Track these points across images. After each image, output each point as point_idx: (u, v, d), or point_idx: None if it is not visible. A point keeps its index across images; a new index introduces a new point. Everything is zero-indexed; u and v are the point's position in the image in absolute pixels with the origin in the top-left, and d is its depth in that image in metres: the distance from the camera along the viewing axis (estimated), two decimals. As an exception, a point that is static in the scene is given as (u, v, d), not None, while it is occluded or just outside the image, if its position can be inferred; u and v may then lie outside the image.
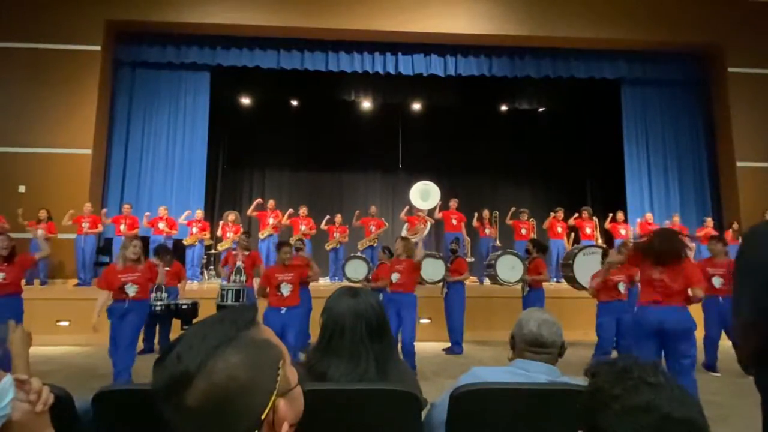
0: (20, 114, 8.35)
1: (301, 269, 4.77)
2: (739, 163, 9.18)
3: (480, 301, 6.81)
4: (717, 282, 5.01)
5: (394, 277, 5.13)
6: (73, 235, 7.70)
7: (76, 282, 7.67)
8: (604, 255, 5.45)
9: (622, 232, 8.74)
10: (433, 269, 6.77)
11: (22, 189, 8.17)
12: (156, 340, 5.65)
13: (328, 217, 9.12)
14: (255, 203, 8.89)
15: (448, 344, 6.16)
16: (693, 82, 9.98)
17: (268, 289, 4.58)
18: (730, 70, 9.38)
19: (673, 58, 9.74)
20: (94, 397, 1.14)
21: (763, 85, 9.29)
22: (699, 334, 5.12)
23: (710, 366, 5.11)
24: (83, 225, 7.65)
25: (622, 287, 4.99)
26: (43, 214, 7.57)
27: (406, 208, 9.17)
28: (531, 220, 9.10)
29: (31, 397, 0.84)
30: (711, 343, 5.11)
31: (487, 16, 9.15)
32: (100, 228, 7.92)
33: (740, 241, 1.49)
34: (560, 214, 9.06)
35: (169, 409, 0.63)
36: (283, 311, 4.49)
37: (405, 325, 5.01)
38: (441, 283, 6.51)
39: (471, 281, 7.41)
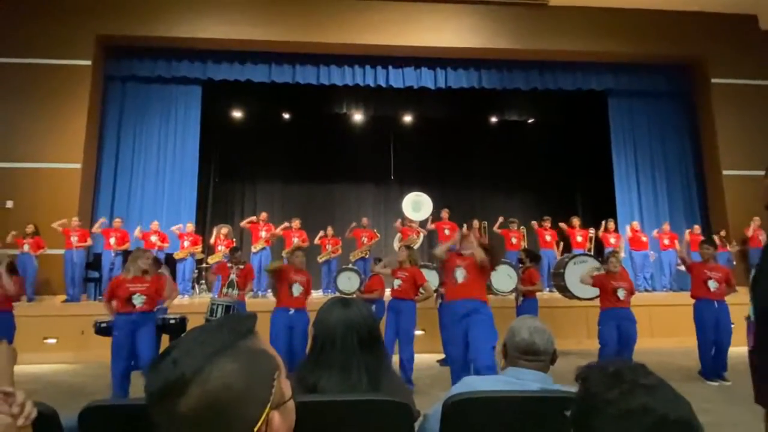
0: (9, 129, 8.28)
1: (310, 279, 4.94)
2: (724, 172, 9.34)
3: (473, 312, 6.79)
4: (713, 285, 4.99)
5: (396, 283, 5.12)
6: (61, 251, 7.59)
7: (64, 298, 7.54)
8: (602, 262, 5.51)
9: (612, 240, 8.81)
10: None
11: (9, 204, 8.07)
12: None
13: (321, 233, 9.08)
14: (250, 219, 8.87)
15: (443, 356, 6.12)
16: (678, 93, 10.18)
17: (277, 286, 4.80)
18: (713, 81, 9.59)
19: (658, 70, 9.95)
20: (81, 413, 1.12)
21: (746, 95, 9.51)
22: (693, 341, 5.22)
23: (707, 374, 5.05)
24: (72, 239, 7.55)
25: (621, 293, 5.01)
26: (30, 229, 7.48)
27: (400, 220, 9.18)
28: (521, 228, 9.15)
29: (14, 410, 0.82)
30: (706, 350, 5.04)
31: (476, 30, 9.30)
32: (89, 242, 7.83)
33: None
34: (547, 223, 9.11)
35: (160, 415, 0.62)
36: (291, 312, 4.63)
37: (403, 334, 4.98)
38: (434, 294, 6.49)
39: (464, 292, 7.40)
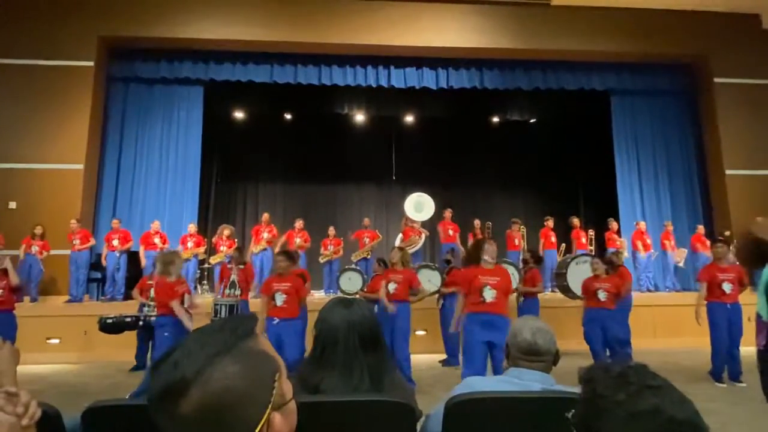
0: (11, 129, 8.30)
1: (299, 280, 4.66)
2: (727, 171, 9.29)
3: (475, 312, 6.78)
4: (727, 288, 4.87)
5: (391, 287, 5.10)
6: (63, 251, 7.61)
7: (67, 298, 7.57)
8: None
9: (618, 242, 8.79)
10: (429, 280, 6.77)
11: (12, 205, 8.10)
12: (149, 356, 5.56)
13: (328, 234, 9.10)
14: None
15: (444, 356, 6.12)
16: (680, 92, 10.14)
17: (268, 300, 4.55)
18: (716, 80, 9.54)
19: (660, 69, 9.90)
20: (84, 414, 1.12)
21: (749, 95, 9.46)
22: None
23: (717, 375, 5.01)
24: (75, 242, 7.58)
25: (602, 295, 5.05)
26: (39, 230, 7.49)
27: (404, 219, 9.16)
28: (522, 228, 9.15)
29: (18, 410, 0.82)
30: (718, 352, 4.99)
31: (478, 30, 9.29)
32: (92, 242, 7.86)
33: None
34: (550, 223, 9.11)
35: (162, 416, 0.62)
36: (275, 322, 4.38)
37: (397, 335, 4.99)
38: (436, 295, 6.49)
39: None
